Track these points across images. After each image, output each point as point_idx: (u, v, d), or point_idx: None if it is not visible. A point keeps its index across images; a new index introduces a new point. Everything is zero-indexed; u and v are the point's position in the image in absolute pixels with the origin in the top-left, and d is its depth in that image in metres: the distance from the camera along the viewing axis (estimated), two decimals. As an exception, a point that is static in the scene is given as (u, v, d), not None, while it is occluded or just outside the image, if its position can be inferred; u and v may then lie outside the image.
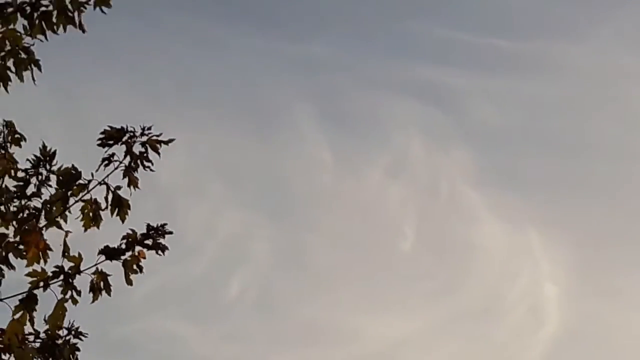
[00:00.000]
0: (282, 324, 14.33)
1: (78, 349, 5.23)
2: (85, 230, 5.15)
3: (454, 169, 14.68)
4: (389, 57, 14.83)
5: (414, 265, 14.23)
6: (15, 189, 5.21)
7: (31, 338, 5.18)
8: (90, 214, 5.11)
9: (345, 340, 13.93)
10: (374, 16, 14.70)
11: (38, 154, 5.21)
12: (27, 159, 5.21)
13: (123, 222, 5.15)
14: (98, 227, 5.16)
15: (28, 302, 5.10)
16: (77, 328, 5.21)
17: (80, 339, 5.22)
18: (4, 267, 5.10)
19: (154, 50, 13.48)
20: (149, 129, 5.09)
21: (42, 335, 5.18)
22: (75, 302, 5.16)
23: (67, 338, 5.20)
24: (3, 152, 5.23)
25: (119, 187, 5.12)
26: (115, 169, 5.11)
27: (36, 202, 5.13)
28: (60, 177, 5.10)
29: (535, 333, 14.11)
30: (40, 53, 5.05)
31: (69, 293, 5.14)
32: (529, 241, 14.54)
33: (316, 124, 14.62)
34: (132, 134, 5.09)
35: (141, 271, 5.19)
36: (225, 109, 14.41)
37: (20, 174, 5.23)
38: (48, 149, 5.21)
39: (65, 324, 5.17)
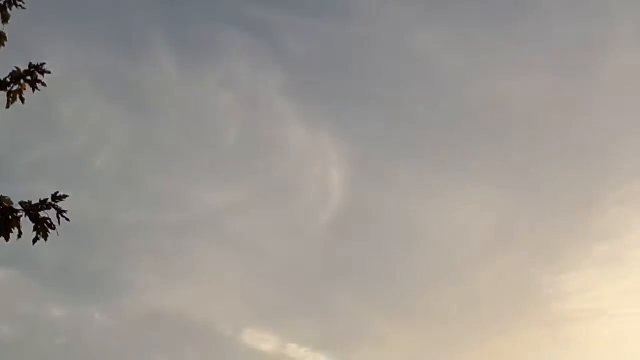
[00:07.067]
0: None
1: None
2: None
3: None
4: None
5: (239, 154, 20.53)
6: None
7: None
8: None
9: (183, 207, 19.91)
10: None
11: None
12: None
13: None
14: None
15: None
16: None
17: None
18: None
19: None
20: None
21: None
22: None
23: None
24: None
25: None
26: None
27: None
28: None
29: (324, 206, 20.84)
30: None
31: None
32: (322, 139, 20.80)
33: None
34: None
35: (23, 102, 6.45)
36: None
37: None
38: None
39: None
